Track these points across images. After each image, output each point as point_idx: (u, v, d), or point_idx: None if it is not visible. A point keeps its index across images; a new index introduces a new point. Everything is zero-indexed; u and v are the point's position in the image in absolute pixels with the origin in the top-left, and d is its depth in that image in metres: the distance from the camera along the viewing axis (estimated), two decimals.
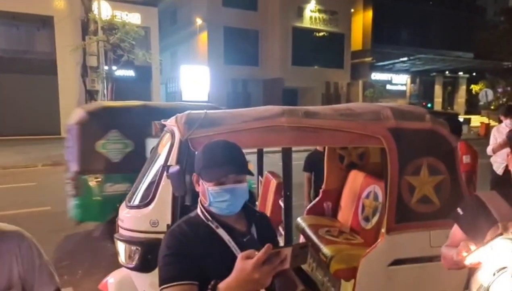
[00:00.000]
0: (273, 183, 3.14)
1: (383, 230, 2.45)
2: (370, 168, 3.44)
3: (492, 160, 5.05)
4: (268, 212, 3.08)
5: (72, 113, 5.13)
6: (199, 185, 1.31)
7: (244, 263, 1.00)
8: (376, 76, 27.90)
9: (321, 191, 3.66)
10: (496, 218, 1.30)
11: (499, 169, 4.86)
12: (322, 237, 2.97)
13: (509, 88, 28.86)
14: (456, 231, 1.46)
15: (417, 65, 27.24)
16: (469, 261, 1.27)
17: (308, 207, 3.66)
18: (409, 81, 30.43)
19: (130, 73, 19.17)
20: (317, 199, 3.67)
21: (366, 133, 2.45)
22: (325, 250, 2.74)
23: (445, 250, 1.48)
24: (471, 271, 1.36)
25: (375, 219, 2.94)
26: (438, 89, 31.48)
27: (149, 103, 5.48)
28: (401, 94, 29.66)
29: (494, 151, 4.84)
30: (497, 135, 4.91)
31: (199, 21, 23.21)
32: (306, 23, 24.94)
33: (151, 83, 20.84)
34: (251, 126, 2.37)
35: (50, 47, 17.99)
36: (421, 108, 2.73)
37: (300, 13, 24.65)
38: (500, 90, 27.77)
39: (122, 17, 15.21)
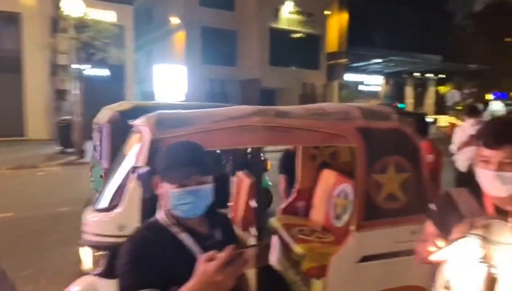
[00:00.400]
0: (246, 183, 3.15)
1: (352, 228, 2.50)
2: (341, 167, 3.50)
3: (455, 157, 5.26)
4: (241, 212, 3.08)
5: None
6: (160, 188, 1.28)
7: (206, 265, 0.98)
8: (350, 77, 28.43)
9: (294, 190, 3.71)
10: (464, 215, 1.33)
11: (462, 166, 5.06)
12: (294, 237, 2.99)
13: (475, 90, 30.11)
14: (429, 226, 1.50)
15: (390, 67, 27.98)
16: (434, 257, 1.31)
17: (282, 207, 3.69)
18: (382, 82, 31.19)
19: (103, 72, 18.71)
20: (291, 198, 3.70)
21: (336, 133, 2.50)
22: (297, 249, 2.77)
23: (418, 244, 1.51)
24: (437, 265, 1.39)
25: (346, 217, 3.00)
26: (409, 90, 32.38)
27: (178, 103, 5.54)
28: (374, 95, 30.35)
29: (459, 149, 5.04)
30: (460, 134, 5.12)
31: (175, 20, 22.97)
32: (283, 24, 25.12)
33: (125, 83, 20.45)
34: (223, 126, 2.37)
35: (17, 44, 17.34)
36: (388, 108, 2.80)
37: (276, 14, 24.80)
38: (466, 91, 28.90)
39: (96, 15, 14.85)
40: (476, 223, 1.25)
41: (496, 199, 1.30)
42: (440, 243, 1.29)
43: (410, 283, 2.56)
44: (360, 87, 30.06)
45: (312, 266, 2.59)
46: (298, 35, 25.87)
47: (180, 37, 23.57)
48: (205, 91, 23.32)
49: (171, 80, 20.22)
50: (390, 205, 2.52)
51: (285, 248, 3.07)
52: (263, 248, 1.04)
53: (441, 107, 29.78)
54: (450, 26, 32.86)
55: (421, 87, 32.58)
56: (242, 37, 24.66)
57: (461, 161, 5.10)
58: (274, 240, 3.30)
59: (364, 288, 2.50)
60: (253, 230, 2.64)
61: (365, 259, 2.49)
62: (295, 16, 25.43)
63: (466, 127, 5.12)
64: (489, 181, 1.27)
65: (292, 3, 24.93)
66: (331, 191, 3.28)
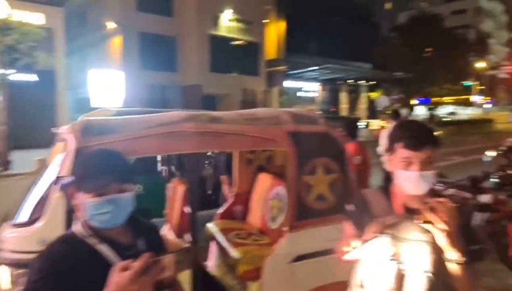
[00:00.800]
0: (181, 189, 3.11)
1: (285, 228, 2.58)
2: (276, 170, 3.60)
3: (383, 159, 5.68)
4: (176, 219, 3.04)
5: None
6: (75, 198, 1.22)
7: (120, 275, 0.96)
8: (289, 83, 29.36)
9: (232, 195, 3.74)
10: (376, 214, 1.38)
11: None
12: (231, 241, 3.02)
13: (402, 96, 32.74)
14: (347, 226, 1.52)
15: (326, 74, 29.34)
16: (348, 256, 1.36)
17: (219, 212, 3.70)
18: (319, 88, 32.59)
19: (31, 78, 17.39)
20: (229, 203, 3.73)
21: (268, 137, 2.57)
22: (233, 253, 2.80)
23: (338, 244, 1.53)
24: (353, 264, 1.44)
25: (281, 219, 3.09)
26: (343, 96, 34.17)
27: (161, 110, 5.33)
28: (311, 101, 31.59)
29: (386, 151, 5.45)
30: (386, 136, 5.55)
31: (111, 24, 22.12)
32: (223, 31, 25.31)
33: (56, 89, 19.18)
34: (154, 132, 2.33)
35: None
36: (316, 113, 2.94)
37: (216, 21, 24.95)
38: (394, 97, 31.32)
39: (23, 17, 13.79)
40: (387, 222, 1.30)
41: (410, 197, 1.35)
42: (355, 242, 1.34)
43: (341, 279, 2.67)
44: (299, 94, 31.14)
45: (248, 269, 2.63)
46: (238, 42, 26.20)
47: (117, 42, 22.72)
48: (144, 97, 22.66)
49: (107, 86, 19.34)
50: (320, 205, 2.63)
51: (223, 252, 3.09)
52: (185, 253, 1.03)
53: (372, 112, 31.79)
54: (378, 36, 35.41)
55: (354, 93, 34.54)
56: (182, 43, 24.44)
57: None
58: (212, 245, 3.30)
59: (298, 287, 2.58)
60: (188, 237, 2.62)
61: (298, 258, 2.57)
62: (235, 24, 25.75)
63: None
64: (413, 181, 1.32)
65: (231, 11, 25.23)
66: (266, 194, 3.36)
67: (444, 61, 30.62)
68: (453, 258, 1.24)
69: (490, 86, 50.77)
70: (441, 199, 1.26)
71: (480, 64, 39.94)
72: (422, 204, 1.26)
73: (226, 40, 25.41)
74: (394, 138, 1.40)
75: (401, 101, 31.57)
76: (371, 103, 32.94)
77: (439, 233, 1.22)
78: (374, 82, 33.32)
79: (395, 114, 5.79)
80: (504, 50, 61.85)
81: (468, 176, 5.05)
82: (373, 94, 33.11)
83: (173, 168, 5.23)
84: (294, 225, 2.56)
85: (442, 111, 39.75)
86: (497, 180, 4.79)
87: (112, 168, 1.20)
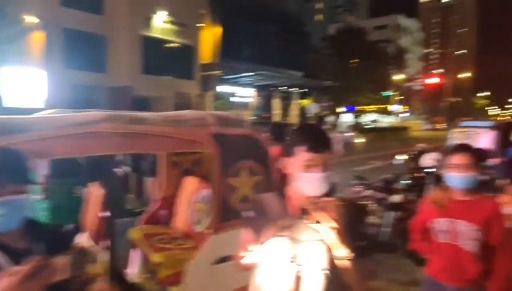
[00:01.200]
0: (98, 193, 2.95)
1: (209, 230, 2.58)
2: (204, 173, 3.58)
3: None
4: (93, 225, 2.87)
5: None
6: None
7: (6, 281, 0.90)
8: (224, 88, 29.48)
9: (158, 199, 3.63)
10: (272, 218, 1.35)
11: None
12: (153, 246, 2.93)
13: (331, 103, 34.67)
14: (245, 233, 1.46)
15: (259, 80, 30.00)
16: (245, 261, 1.36)
17: (143, 217, 3.57)
18: (254, 94, 33.18)
19: None
20: (154, 207, 3.62)
21: (192, 139, 2.55)
22: (155, 258, 2.72)
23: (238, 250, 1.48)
24: (252, 269, 1.41)
25: (206, 222, 3.07)
26: (276, 103, 35.15)
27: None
28: (245, 106, 32.03)
29: None
30: None
31: (32, 19, 20.35)
32: (156, 32, 24.65)
33: None
34: (67, 133, 2.19)
35: None
36: (241, 116, 2.99)
37: (149, 23, 24.23)
38: (324, 104, 33.04)
39: None
40: (283, 224, 1.31)
41: (305, 199, 1.35)
42: (252, 247, 1.34)
43: None
44: (233, 99, 31.41)
45: (169, 274, 2.57)
46: (172, 44, 25.72)
47: (38, 38, 20.95)
48: (68, 97, 21.17)
49: (25, 84, 17.75)
50: (244, 207, 2.67)
51: (145, 258, 2.98)
52: (79, 254, 0.99)
53: (303, 118, 33.12)
54: (308, 46, 37.14)
55: (287, 99, 35.72)
56: (112, 43, 23.29)
57: None
58: (134, 252, 3.17)
59: (220, 288, 2.58)
60: (106, 242, 2.49)
61: (222, 260, 2.58)
62: (169, 26, 25.24)
63: None
64: (316, 183, 1.34)
65: (165, 13, 24.70)
66: (192, 197, 3.31)
67: (367, 72, 33.03)
68: (343, 255, 1.29)
69: (407, 97, 55.83)
70: (329, 199, 1.31)
71: (398, 76, 43.76)
72: (312, 204, 1.29)
73: (159, 42, 24.79)
74: (295, 142, 1.42)
75: (329, 108, 33.36)
76: (302, 109, 34.31)
77: (329, 231, 1.26)
78: (305, 89, 34.78)
79: (319, 121, 6.10)
80: (419, 65, 68.53)
81: (382, 178, 5.48)
82: (304, 101, 34.56)
83: (128, 169, 5.16)
84: (218, 226, 2.56)
85: (366, 119, 42.75)
86: (407, 182, 5.27)
87: (6, 168, 1.11)
